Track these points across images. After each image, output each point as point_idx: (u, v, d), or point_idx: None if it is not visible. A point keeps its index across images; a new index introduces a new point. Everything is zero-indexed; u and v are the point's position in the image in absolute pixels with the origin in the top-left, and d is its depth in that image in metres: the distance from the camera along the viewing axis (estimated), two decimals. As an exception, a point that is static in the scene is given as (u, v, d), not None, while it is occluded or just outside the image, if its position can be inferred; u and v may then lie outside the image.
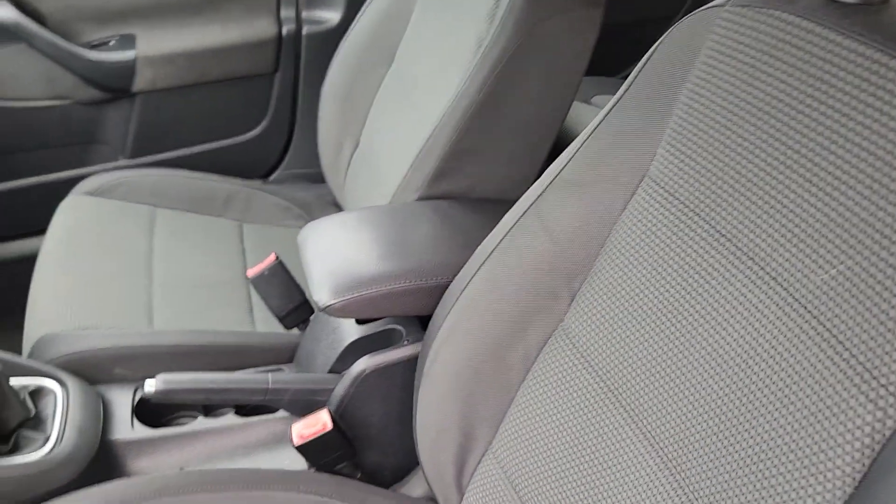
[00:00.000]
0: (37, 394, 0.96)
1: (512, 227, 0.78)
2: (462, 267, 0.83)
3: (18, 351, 1.04)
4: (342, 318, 0.89)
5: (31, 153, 1.54)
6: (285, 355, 1.10)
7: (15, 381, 0.93)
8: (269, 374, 0.93)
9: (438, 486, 0.85)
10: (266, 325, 1.16)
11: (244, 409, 1.04)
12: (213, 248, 1.31)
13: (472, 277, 0.79)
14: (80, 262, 1.20)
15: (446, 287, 0.85)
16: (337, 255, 0.89)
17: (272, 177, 1.66)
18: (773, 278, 0.54)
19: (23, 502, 0.82)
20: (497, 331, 0.78)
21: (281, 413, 1.01)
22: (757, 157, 0.57)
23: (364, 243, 0.91)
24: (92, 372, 1.03)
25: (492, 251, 0.79)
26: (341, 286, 0.85)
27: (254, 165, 1.63)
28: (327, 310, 0.84)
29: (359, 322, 0.95)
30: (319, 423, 0.86)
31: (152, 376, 0.90)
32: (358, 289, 0.85)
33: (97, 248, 1.23)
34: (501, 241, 0.78)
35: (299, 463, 0.94)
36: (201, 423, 1.00)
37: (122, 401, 1.02)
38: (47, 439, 0.90)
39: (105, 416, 0.98)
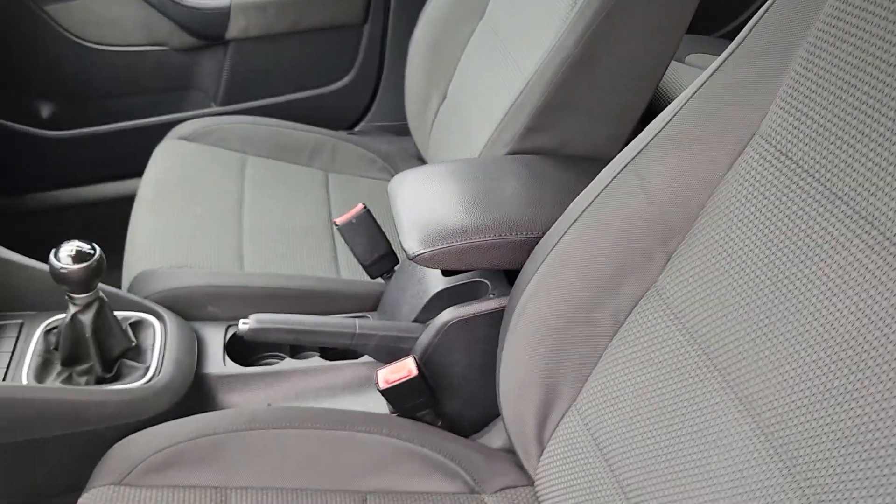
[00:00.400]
0: (137, 326, 1.01)
1: (608, 184, 0.76)
2: (552, 223, 0.83)
3: (118, 287, 1.09)
4: (430, 268, 0.90)
5: (129, 98, 1.59)
6: (369, 303, 1.12)
7: (117, 314, 0.98)
8: (357, 320, 0.95)
9: (519, 438, 0.86)
10: (350, 273, 1.18)
11: (329, 354, 1.07)
12: (300, 196, 1.33)
13: (565, 233, 0.79)
14: (175, 205, 1.24)
15: (535, 242, 0.84)
16: (427, 205, 0.90)
17: (357, 128, 1.68)
18: (895, 244, 0.52)
19: (125, 425, 0.87)
20: (588, 288, 0.77)
21: (365, 359, 1.03)
22: (884, 117, 0.54)
23: (454, 195, 0.91)
24: (186, 309, 1.07)
25: (586, 208, 0.77)
26: (431, 236, 0.86)
27: (339, 116, 1.65)
28: (416, 259, 0.85)
29: (445, 274, 0.96)
30: (405, 369, 0.87)
31: (242, 316, 0.93)
32: (447, 240, 0.86)
33: (190, 192, 1.27)
34: (596, 197, 0.77)
35: (382, 408, 0.97)
36: (289, 363, 1.04)
37: (214, 338, 1.06)
38: (147, 369, 0.94)
39: (199, 351, 1.02)
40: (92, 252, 0.86)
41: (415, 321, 0.97)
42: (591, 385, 0.78)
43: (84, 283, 0.87)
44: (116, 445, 0.84)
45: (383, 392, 0.88)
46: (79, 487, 0.81)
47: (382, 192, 1.03)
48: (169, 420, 0.88)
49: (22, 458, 0.84)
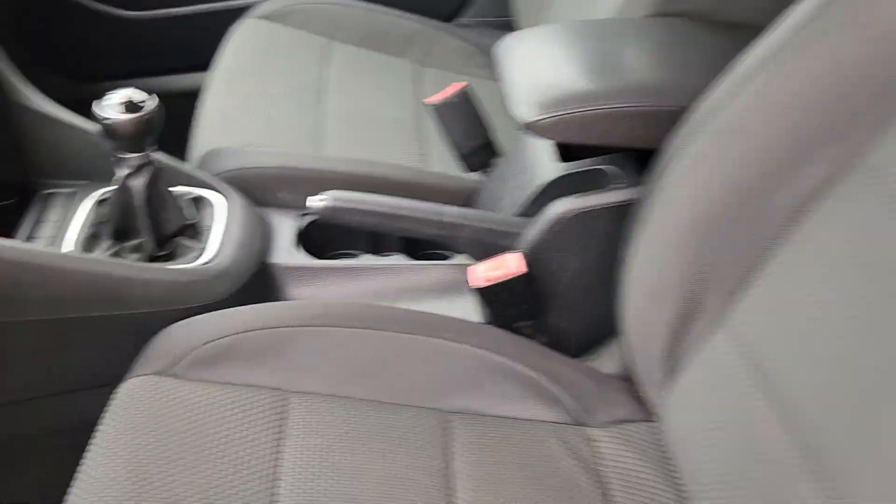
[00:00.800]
0: (197, 204, 0.88)
1: (801, 30, 0.56)
2: (701, 91, 0.64)
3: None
4: (547, 138, 0.72)
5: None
6: (460, 200, 0.96)
7: (177, 190, 0.85)
8: (447, 206, 0.79)
9: (642, 362, 0.69)
10: (441, 168, 1.02)
11: (414, 255, 0.92)
12: (389, 87, 1.17)
13: (732, 99, 0.60)
14: (251, 84, 1.10)
15: (678, 114, 0.65)
16: (546, 66, 0.72)
17: (455, 20, 1.49)
18: None
19: (174, 311, 0.74)
20: (758, 167, 0.58)
21: (455, 261, 0.87)
22: None
23: (580, 55, 0.73)
24: (256, 192, 0.94)
25: (765, 64, 0.58)
26: (550, 100, 0.68)
27: (437, 4, 1.47)
28: (531, 127, 0.68)
29: (563, 159, 0.78)
30: (508, 265, 0.71)
31: (319, 202, 0.78)
32: (570, 104, 0.68)
33: (268, 72, 1.13)
34: (781, 50, 0.57)
35: (472, 317, 0.81)
36: (367, 259, 0.89)
37: (284, 226, 0.93)
38: (204, 250, 0.82)
39: (266, 238, 0.89)
40: (142, 103, 0.73)
41: (519, 216, 0.80)
42: (751, 296, 0.60)
43: (134, 139, 0.74)
44: (164, 332, 0.72)
45: (480, 292, 0.72)
46: (121, 378, 0.69)
47: (482, 90, 0.88)
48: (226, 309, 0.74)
49: (57, 340, 0.73)
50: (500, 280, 0.71)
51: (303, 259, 0.88)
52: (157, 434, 0.63)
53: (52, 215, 0.86)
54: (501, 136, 0.93)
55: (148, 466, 0.61)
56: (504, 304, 0.74)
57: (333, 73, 1.17)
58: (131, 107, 0.73)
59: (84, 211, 0.85)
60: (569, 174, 0.78)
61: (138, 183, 0.77)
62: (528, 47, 0.76)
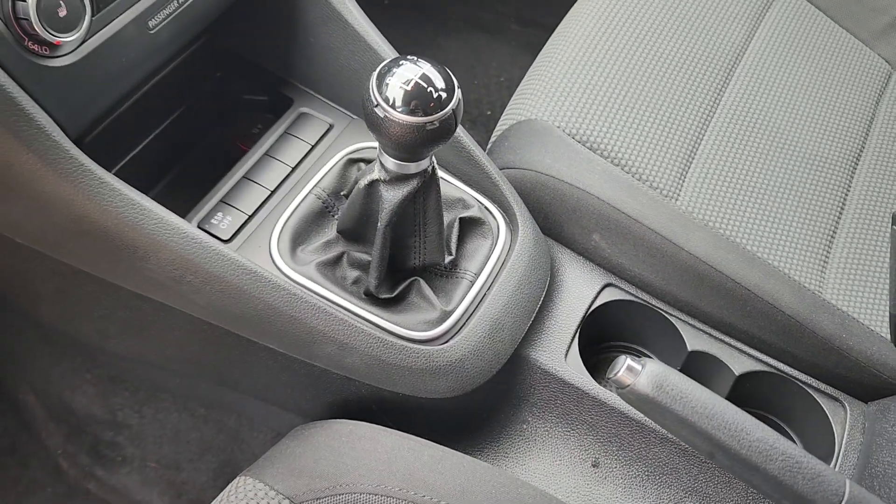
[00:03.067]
0: (467, 225, 0.59)
1: None
2: None
3: (483, 145, 0.67)
4: None
5: None
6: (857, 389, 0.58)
7: (450, 186, 0.58)
8: (848, 481, 0.43)
9: None
10: (842, 290, 0.62)
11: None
12: (833, 96, 0.76)
13: None
14: (614, 52, 0.74)
15: None
16: None
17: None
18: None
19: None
20: None
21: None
22: None
23: None
24: (553, 211, 0.64)
25: None
26: None
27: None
28: None
29: None
30: None
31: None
32: None
33: (652, 34, 0.75)
34: None
35: None
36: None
37: (574, 291, 0.61)
38: (446, 316, 0.54)
39: (537, 300, 0.59)
40: (439, 96, 0.44)
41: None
42: None
43: (412, 148, 0.46)
44: (338, 429, 0.48)
45: None
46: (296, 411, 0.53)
47: None
48: (436, 409, 0.50)
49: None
50: None
51: (574, 370, 0.58)
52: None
53: (293, 148, 0.62)
54: None
55: None
56: None
57: (754, 51, 0.76)
58: (423, 100, 0.43)
59: (327, 167, 0.60)
60: None
61: (393, 196, 0.50)
62: None
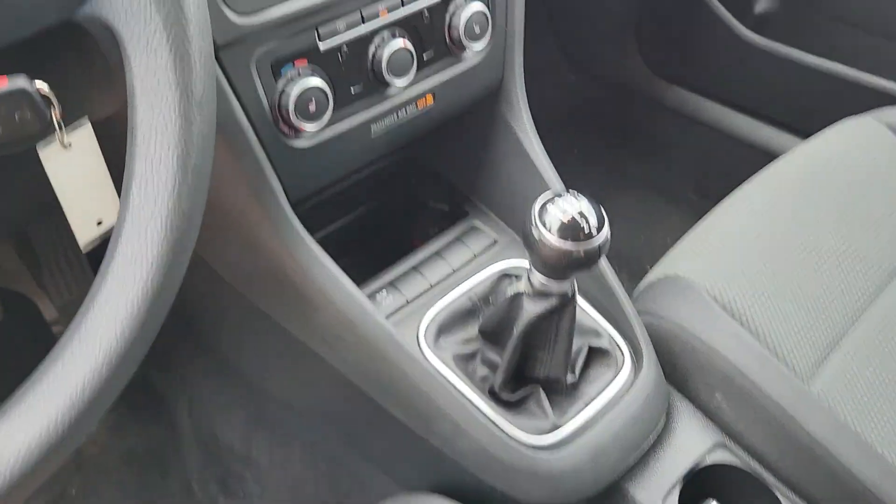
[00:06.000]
0: (594, 355, 0.64)
1: None
2: None
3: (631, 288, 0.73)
4: None
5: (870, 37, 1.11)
6: None
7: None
8: None
9: None
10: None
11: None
12: None
13: None
14: (798, 215, 0.78)
15: None
16: None
17: None
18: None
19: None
20: None
21: None
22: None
23: None
24: (679, 367, 0.67)
25: None
26: None
27: None
28: None
29: None
30: None
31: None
32: None
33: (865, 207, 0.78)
34: None
35: None
36: None
37: (681, 449, 0.63)
38: (559, 428, 0.59)
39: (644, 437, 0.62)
40: (589, 229, 0.50)
41: None
42: None
43: (557, 267, 0.53)
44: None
45: None
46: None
47: None
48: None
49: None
50: None
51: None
52: None
53: (460, 253, 0.71)
54: None
55: None
56: None
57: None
58: (571, 229, 0.51)
59: (482, 275, 0.68)
60: None
61: (533, 309, 0.56)
62: None
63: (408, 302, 0.67)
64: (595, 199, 0.53)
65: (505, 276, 0.69)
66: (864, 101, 0.98)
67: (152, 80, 0.31)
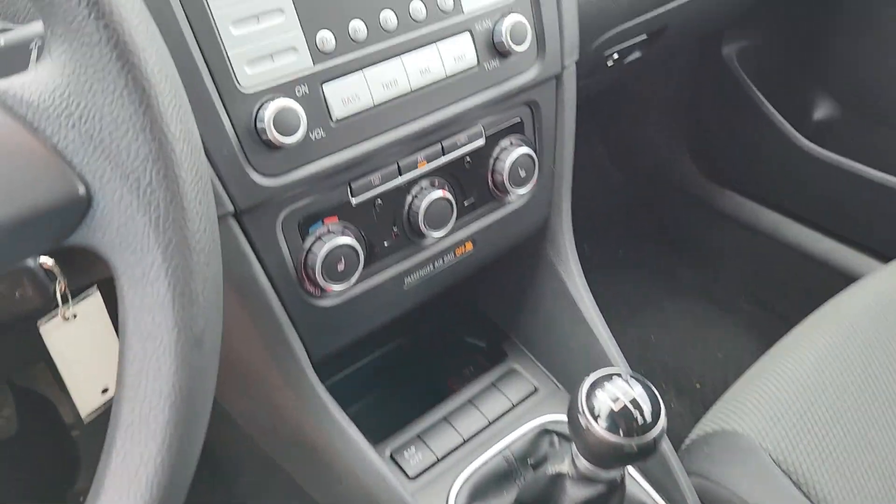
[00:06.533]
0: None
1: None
2: None
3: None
4: None
5: None
6: None
7: None
8: None
9: None
10: None
11: None
12: None
13: None
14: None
15: None
16: None
17: None
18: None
19: None
20: None
21: None
22: None
23: None
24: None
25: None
26: None
27: None
28: None
29: None
30: None
31: None
32: None
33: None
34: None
35: None
36: None
37: None
38: None
39: None
40: (644, 420, 0.45)
41: None
42: None
43: (606, 460, 0.47)
44: None
45: None
46: None
47: None
48: None
49: None
50: None
51: None
52: None
53: (496, 402, 0.66)
54: None
55: None
56: None
57: None
58: (626, 422, 0.45)
59: (521, 431, 0.62)
60: None
61: (577, 495, 0.50)
62: None
63: (438, 460, 0.61)
64: (649, 385, 0.47)
65: (546, 431, 0.64)
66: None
67: (147, 318, 0.27)
